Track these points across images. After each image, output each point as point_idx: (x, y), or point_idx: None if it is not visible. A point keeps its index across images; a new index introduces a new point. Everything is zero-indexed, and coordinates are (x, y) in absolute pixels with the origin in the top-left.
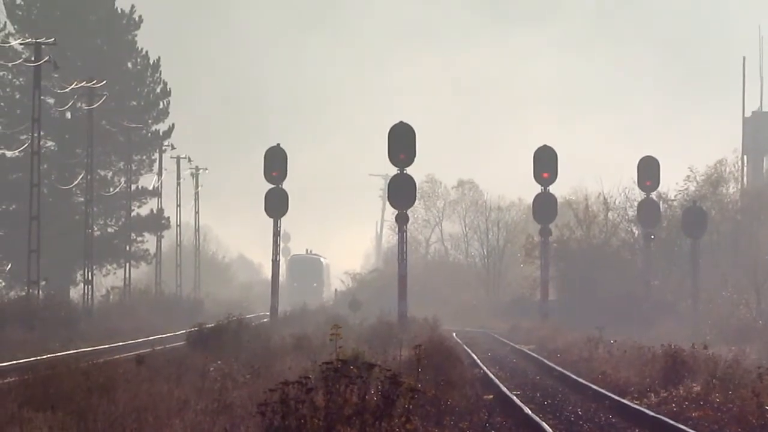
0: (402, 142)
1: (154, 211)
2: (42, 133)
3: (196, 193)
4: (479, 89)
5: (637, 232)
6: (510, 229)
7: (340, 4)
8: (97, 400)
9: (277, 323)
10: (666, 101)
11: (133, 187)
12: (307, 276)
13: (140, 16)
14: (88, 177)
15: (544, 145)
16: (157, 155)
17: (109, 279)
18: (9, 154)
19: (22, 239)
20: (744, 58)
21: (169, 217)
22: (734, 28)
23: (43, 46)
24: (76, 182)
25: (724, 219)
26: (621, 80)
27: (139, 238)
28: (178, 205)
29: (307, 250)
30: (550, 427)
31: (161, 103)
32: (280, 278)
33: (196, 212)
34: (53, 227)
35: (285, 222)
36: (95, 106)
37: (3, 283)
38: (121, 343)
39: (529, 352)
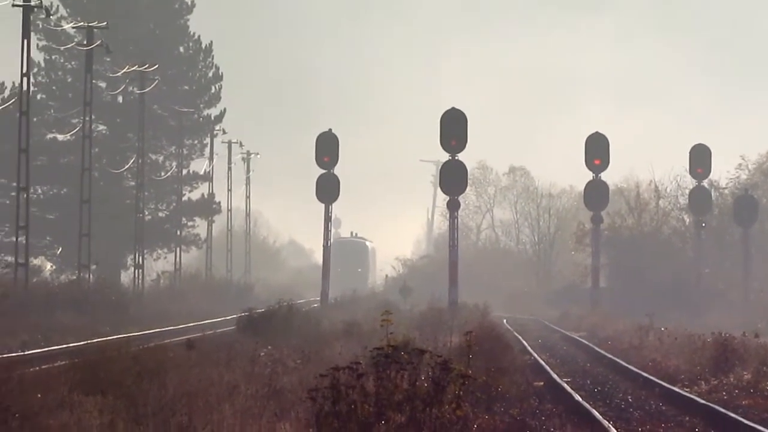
0: (454, 128)
1: (205, 196)
2: (93, 117)
3: (248, 178)
4: (532, 75)
5: (688, 220)
6: (561, 216)
7: None
8: (147, 384)
9: (328, 308)
10: (719, 89)
11: (184, 171)
12: (351, 261)
13: (192, 1)
14: (140, 161)
15: (596, 132)
16: (208, 140)
17: (159, 263)
18: (61, 137)
19: (73, 223)
20: None
21: (220, 202)
22: None
23: (95, 30)
24: (127, 166)
25: None
26: (674, 68)
27: (190, 223)
28: (229, 190)
29: (352, 233)
30: (601, 414)
31: (213, 88)
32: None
33: (247, 197)
34: (104, 211)
35: (336, 207)
36: (147, 90)
37: (54, 267)
38: (171, 328)
39: (579, 339)
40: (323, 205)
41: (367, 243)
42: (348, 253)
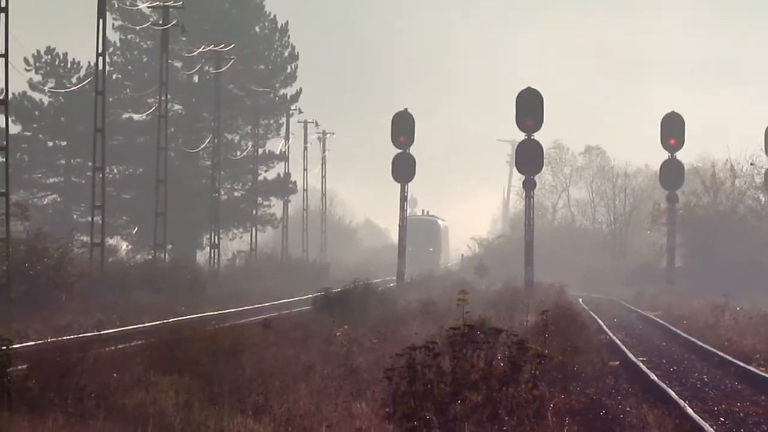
0: (530, 108)
1: (281, 176)
2: (169, 96)
3: (323, 158)
4: (608, 55)
5: (764, 200)
6: (636, 195)
7: None
8: (223, 364)
9: (404, 288)
10: None
11: (260, 151)
12: (422, 240)
13: None
14: (215, 141)
15: (672, 112)
16: (284, 119)
17: (235, 243)
18: (136, 117)
19: (149, 203)
20: None
21: (295, 182)
22: None
23: (170, 10)
24: (203, 146)
25: None
26: (751, 48)
27: (266, 203)
28: (305, 170)
29: (423, 211)
30: (676, 394)
31: (289, 67)
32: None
33: (323, 177)
34: (180, 191)
35: (411, 187)
36: (223, 69)
37: (130, 247)
38: (247, 307)
39: (654, 318)
40: (399, 185)
41: (439, 221)
42: (418, 231)
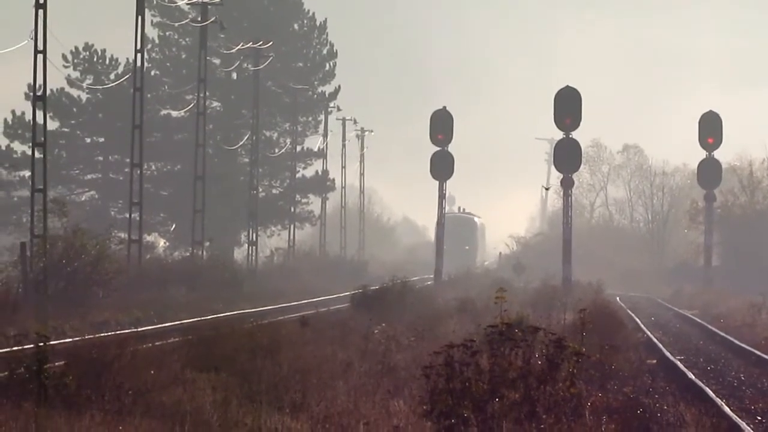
0: (568, 107)
1: (319, 173)
2: (207, 93)
3: (362, 155)
4: (645, 53)
5: None
6: (674, 194)
7: None
8: (261, 361)
9: (441, 286)
10: None
11: (299, 148)
12: (458, 237)
13: None
14: (254, 138)
15: (710, 111)
16: (322, 117)
17: (273, 240)
18: (175, 114)
19: (187, 199)
20: None
21: (334, 179)
22: None
23: (209, 7)
24: (241, 143)
25: None
26: None
27: (304, 200)
28: (343, 167)
29: (459, 209)
30: (714, 392)
31: (327, 65)
32: (426, 239)
33: (361, 174)
34: (218, 188)
35: (449, 184)
36: (261, 67)
37: (167, 244)
38: (285, 305)
39: (692, 317)
40: (437, 183)
41: (476, 219)
42: (454, 229)
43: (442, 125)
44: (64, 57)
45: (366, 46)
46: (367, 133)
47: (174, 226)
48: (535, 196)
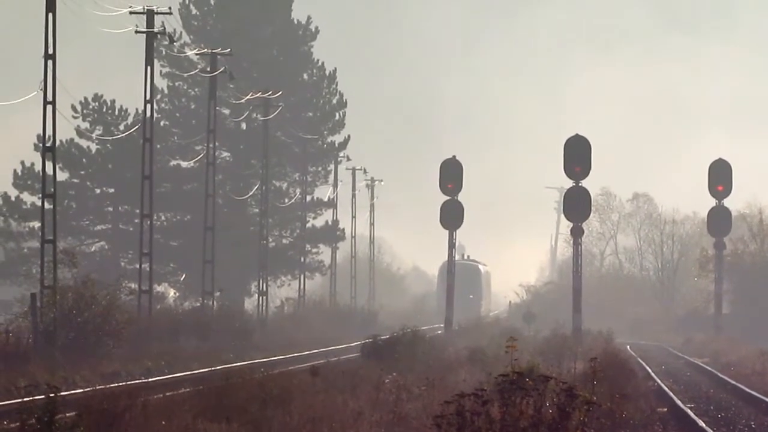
0: (578, 155)
1: (329, 223)
2: (217, 143)
3: (372, 205)
4: (654, 102)
5: None
6: (684, 242)
7: (512, 11)
8: (272, 411)
9: (452, 335)
10: None
11: (309, 198)
12: (462, 285)
13: (316, 27)
14: (263, 188)
15: (719, 159)
16: (332, 166)
17: (283, 290)
18: (184, 164)
19: (196, 250)
20: None
21: (344, 229)
22: None
23: (218, 57)
24: (251, 193)
25: None
26: None
27: (314, 250)
28: (353, 217)
29: (463, 256)
30: None
31: (337, 115)
32: (434, 288)
33: (371, 224)
34: (228, 238)
35: (459, 233)
36: (271, 117)
37: (178, 294)
38: (295, 354)
39: (702, 365)
40: (447, 232)
41: (480, 266)
42: (459, 277)
43: (451, 174)
44: (74, 107)
45: (376, 96)
46: (377, 182)
47: (184, 276)
48: (545, 245)
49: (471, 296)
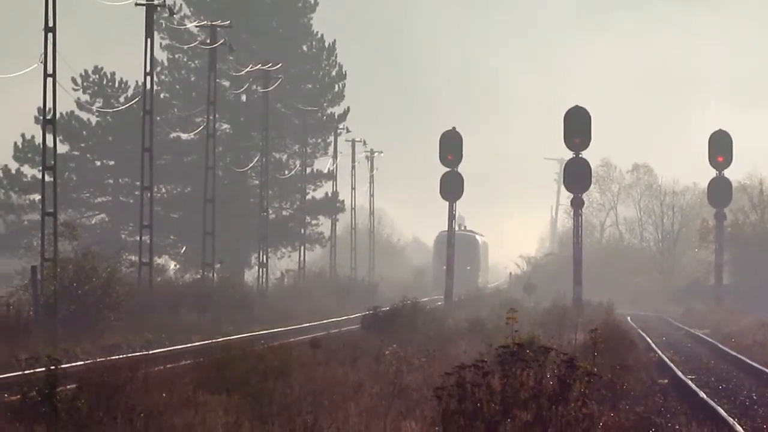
0: (578, 126)
1: (329, 194)
2: (217, 115)
3: (371, 176)
4: (655, 72)
5: None
6: (685, 213)
7: None
8: (272, 383)
9: (452, 306)
10: None
11: (308, 170)
12: (459, 257)
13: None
14: (263, 160)
15: (720, 130)
16: (332, 138)
17: (283, 262)
18: (184, 136)
19: (197, 222)
20: None
21: (343, 200)
22: None
23: (218, 29)
24: (251, 165)
25: None
26: None
27: (314, 221)
28: (353, 188)
29: (460, 226)
30: (725, 412)
31: (337, 86)
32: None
33: (371, 195)
34: (228, 210)
35: (459, 205)
36: (270, 89)
37: (178, 266)
38: (295, 326)
39: (703, 336)
40: (447, 203)
41: (477, 237)
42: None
43: (451, 146)
44: (74, 80)
45: (375, 68)
46: (376, 154)
47: (184, 248)
48: (545, 216)
49: (468, 267)
